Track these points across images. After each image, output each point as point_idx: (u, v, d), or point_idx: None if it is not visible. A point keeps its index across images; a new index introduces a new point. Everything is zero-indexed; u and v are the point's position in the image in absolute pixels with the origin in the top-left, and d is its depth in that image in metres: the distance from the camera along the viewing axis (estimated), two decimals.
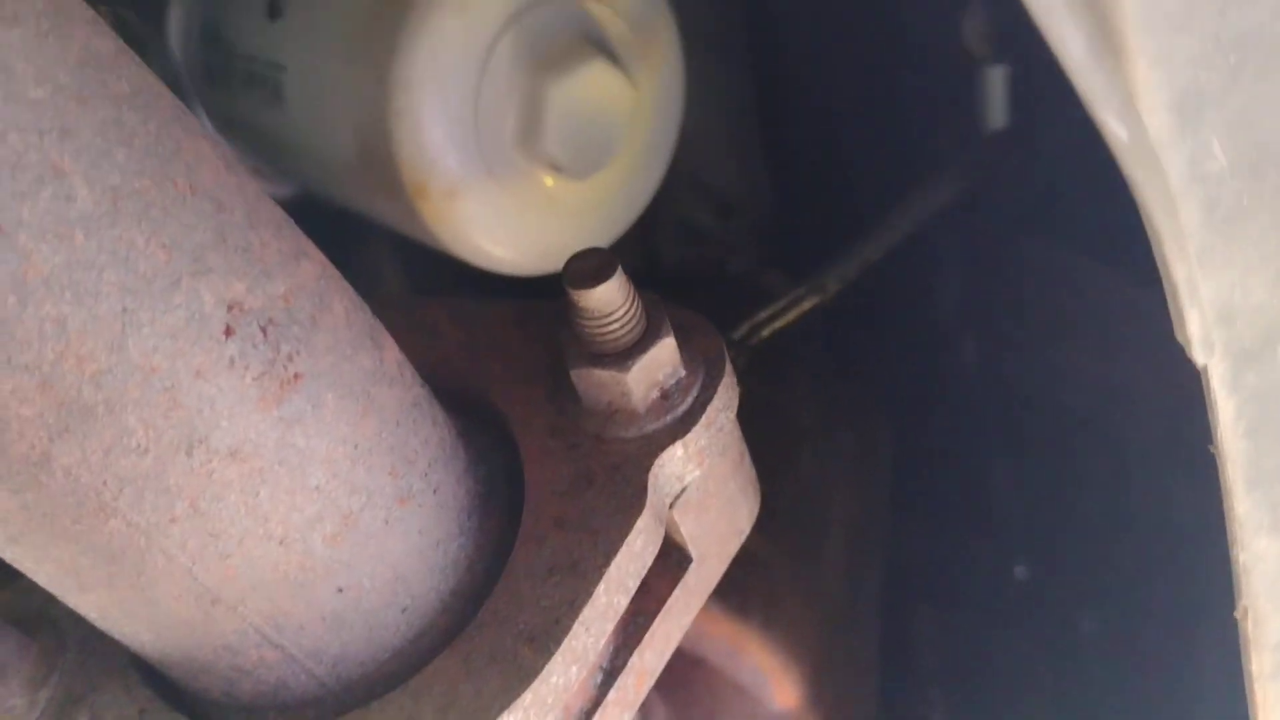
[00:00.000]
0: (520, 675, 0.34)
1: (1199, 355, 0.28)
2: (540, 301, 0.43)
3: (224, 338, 0.30)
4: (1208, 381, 0.30)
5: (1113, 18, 0.25)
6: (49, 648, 0.39)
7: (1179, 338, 0.28)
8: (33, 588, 0.41)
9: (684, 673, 0.58)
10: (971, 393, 0.75)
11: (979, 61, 0.71)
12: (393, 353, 0.36)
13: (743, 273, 0.73)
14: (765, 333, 0.54)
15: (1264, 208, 0.30)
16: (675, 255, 0.73)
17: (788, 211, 0.77)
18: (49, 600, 0.41)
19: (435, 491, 0.36)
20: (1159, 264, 0.27)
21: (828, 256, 0.63)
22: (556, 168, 0.53)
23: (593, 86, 0.52)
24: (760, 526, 0.44)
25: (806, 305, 0.55)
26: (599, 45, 0.52)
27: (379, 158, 0.52)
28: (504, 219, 0.54)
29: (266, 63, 0.55)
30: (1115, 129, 0.24)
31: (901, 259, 0.64)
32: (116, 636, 0.35)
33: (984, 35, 0.70)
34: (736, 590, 0.55)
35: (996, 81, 0.73)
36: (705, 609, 0.44)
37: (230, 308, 0.30)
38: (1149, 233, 0.26)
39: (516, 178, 0.53)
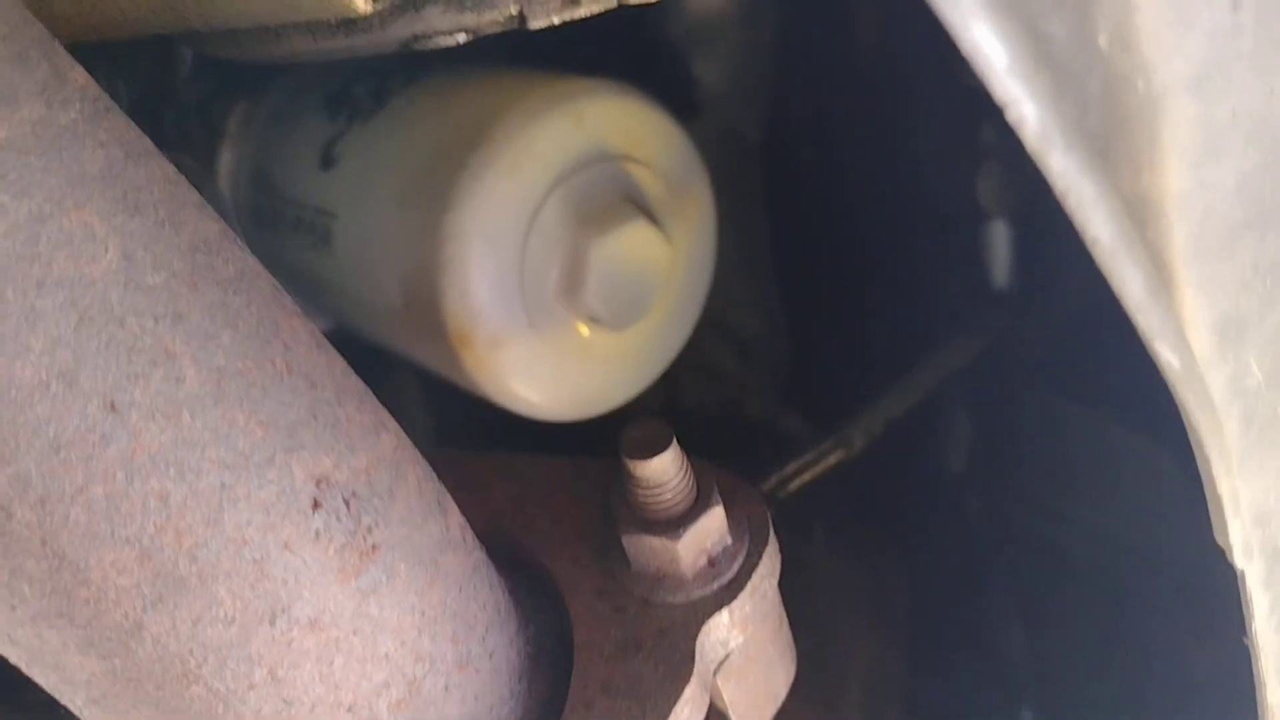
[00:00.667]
0: None
1: (1239, 560, 0.30)
2: (590, 460, 0.45)
3: (311, 511, 0.31)
4: (1244, 581, 0.32)
5: (1165, 252, 0.27)
6: None
7: (1220, 542, 0.30)
8: None
9: None
10: (980, 541, 0.76)
11: (992, 218, 0.74)
12: (456, 518, 0.37)
13: (761, 415, 0.75)
14: (793, 486, 0.56)
15: None
16: (695, 396, 0.75)
17: (806, 356, 0.79)
18: None
19: (491, 656, 0.37)
20: (1203, 476, 0.29)
21: (844, 402, 0.65)
22: (595, 320, 0.55)
23: (632, 244, 0.54)
24: None
25: (833, 460, 0.57)
26: (639, 205, 0.54)
27: (425, 306, 0.54)
28: (543, 368, 0.55)
29: (317, 209, 0.57)
30: (1169, 359, 0.26)
31: (915, 409, 0.66)
32: None
33: (998, 194, 0.73)
34: None
35: (1008, 239, 0.76)
36: None
37: (318, 482, 0.31)
38: (1195, 449, 0.28)
39: (556, 328, 0.55)
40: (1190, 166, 0.27)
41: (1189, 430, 0.27)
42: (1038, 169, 0.70)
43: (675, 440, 0.38)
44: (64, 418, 0.28)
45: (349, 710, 0.33)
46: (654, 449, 0.38)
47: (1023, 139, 0.23)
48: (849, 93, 0.77)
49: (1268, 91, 0.28)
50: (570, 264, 0.54)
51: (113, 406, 0.28)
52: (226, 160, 0.63)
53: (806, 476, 0.56)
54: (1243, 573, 0.31)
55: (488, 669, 0.37)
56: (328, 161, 0.58)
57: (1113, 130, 0.26)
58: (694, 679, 0.38)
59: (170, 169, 0.32)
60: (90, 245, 0.28)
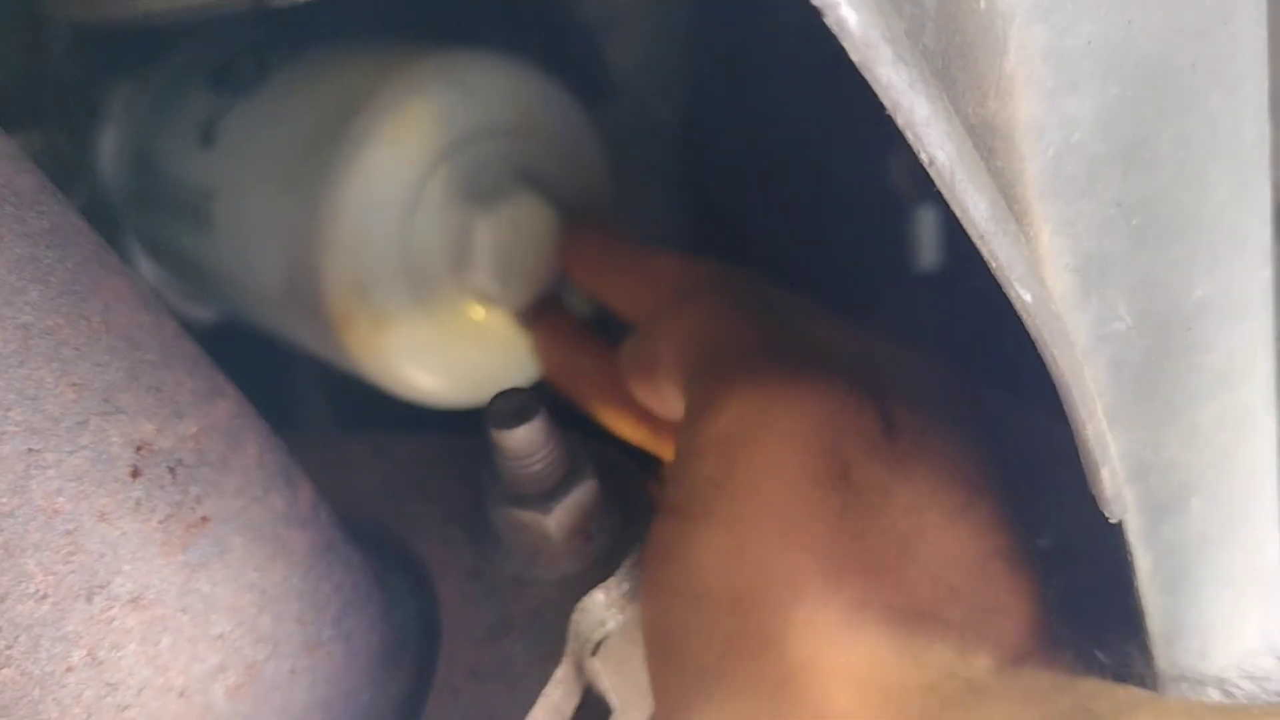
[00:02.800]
0: None
1: (1112, 511, 0.29)
2: (463, 439, 0.43)
3: (130, 479, 0.29)
4: (1124, 536, 0.30)
5: (1016, 185, 0.26)
6: None
7: (1094, 493, 0.29)
8: None
9: None
10: None
11: (907, 202, 0.73)
12: (307, 493, 0.35)
13: None
14: None
15: (1172, 365, 0.31)
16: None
17: None
18: None
19: (346, 639, 0.35)
20: (1071, 423, 0.27)
21: None
22: (486, 299, 0.53)
23: (523, 220, 0.52)
24: None
25: None
26: (529, 180, 0.53)
27: (307, 288, 0.52)
28: (433, 349, 0.54)
29: (197, 190, 0.55)
30: (1020, 294, 0.24)
31: None
32: None
33: (911, 176, 0.73)
34: None
35: (925, 222, 0.75)
36: None
37: (138, 449, 0.29)
38: (1060, 393, 0.27)
39: (446, 308, 0.53)
40: (1044, 96, 0.26)
41: (1051, 372, 0.26)
42: None
43: (544, 409, 0.36)
44: None
45: (180, 695, 0.31)
46: (521, 418, 0.36)
47: (846, 47, 0.21)
48: (768, 76, 0.75)
49: (1126, 22, 0.27)
50: (458, 241, 0.52)
51: None
52: (108, 142, 0.60)
53: None
54: (1123, 525, 0.30)
55: (342, 652, 0.35)
56: (208, 139, 0.55)
57: (952, 51, 0.24)
58: (566, 660, 0.36)
59: None
60: None
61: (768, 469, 0.34)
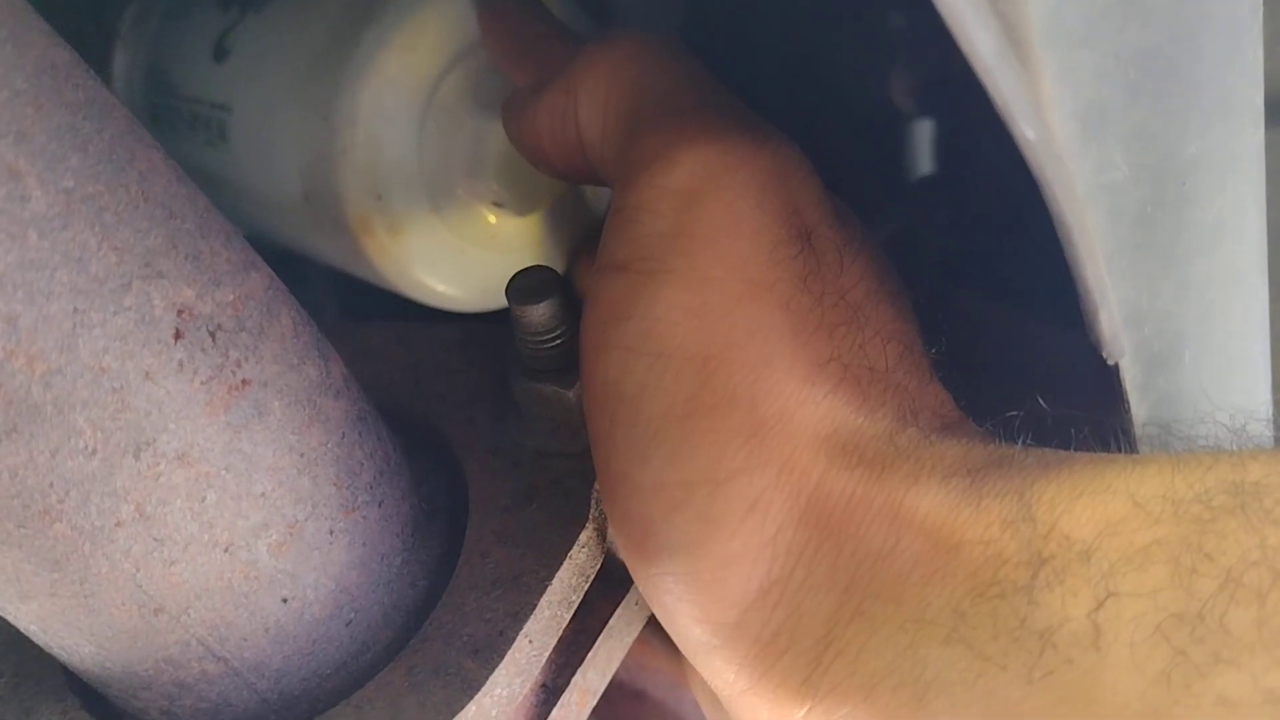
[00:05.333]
0: (464, 687, 0.35)
1: (1110, 353, 0.30)
2: (481, 325, 0.44)
3: (173, 341, 0.31)
4: (1120, 383, 0.32)
5: (1020, 28, 0.27)
6: None
7: (1091, 339, 0.30)
8: None
9: (625, 706, 0.58)
10: None
11: (906, 116, 0.74)
12: (338, 366, 0.36)
13: None
14: None
15: (1166, 217, 0.32)
16: None
17: None
18: None
19: (380, 505, 0.36)
20: (1071, 266, 0.29)
21: None
22: (499, 204, 0.54)
23: None
24: None
25: None
26: None
27: (324, 196, 0.53)
28: (448, 255, 0.55)
29: (212, 104, 0.56)
30: (1023, 130, 0.26)
31: None
32: (56, 650, 0.34)
33: (911, 90, 0.73)
34: None
35: (922, 136, 0.75)
36: (645, 642, 0.44)
37: (180, 312, 0.31)
38: (1060, 235, 0.28)
39: (460, 214, 0.54)
40: None
41: (1052, 215, 0.27)
42: (951, 62, 0.70)
43: (562, 285, 0.38)
44: None
45: (225, 550, 0.32)
46: (542, 294, 0.37)
47: None
48: None
49: None
50: (470, 146, 0.53)
51: None
52: (121, 61, 0.61)
53: None
54: (1119, 371, 0.31)
55: (376, 516, 0.36)
56: (221, 53, 0.56)
57: None
58: (589, 525, 0.37)
59: None
60: None
61: (729, 224, 0.34)
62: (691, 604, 0.33)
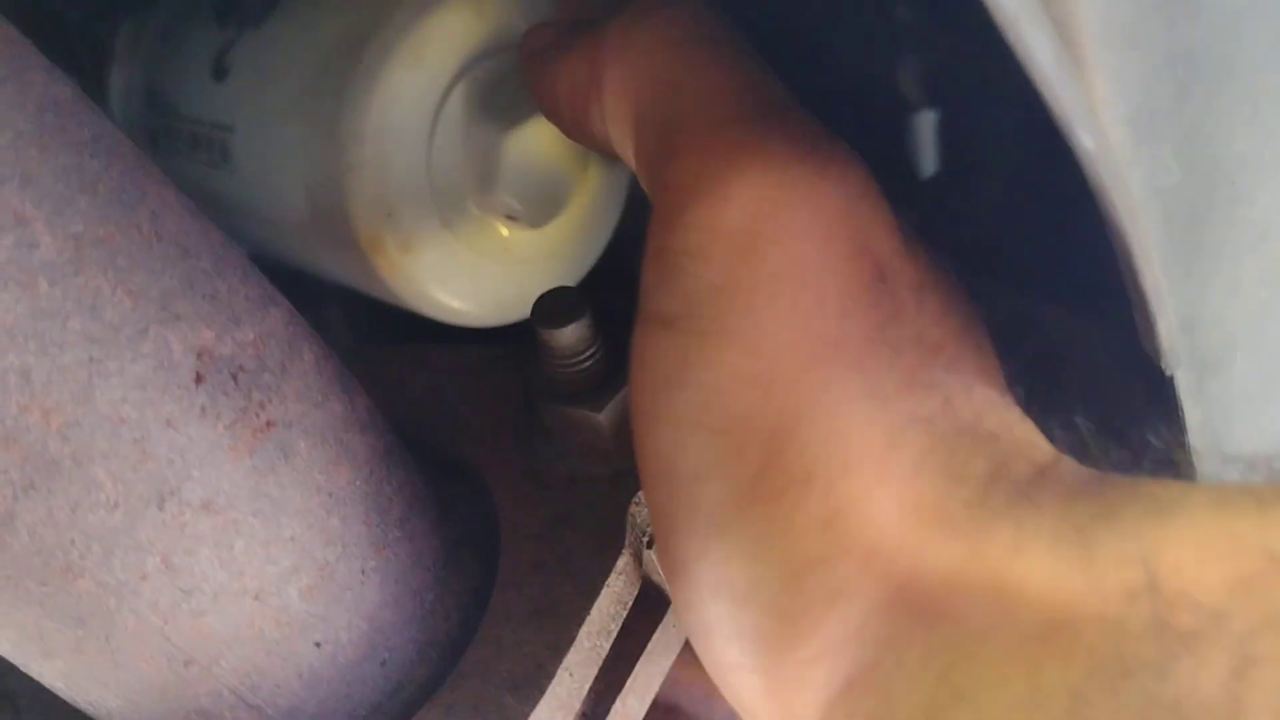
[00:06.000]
0: None
1: (1168, 364, 0.29)
2: (500, 346, 0.43)
3: (194, 386, 0.29)
4: (1175, 391, 0.31)
5: (1073, 30, 0.26)
6: None
7: (1148, 348, 0.29)
8: None
9: None
10: None
11: (914, 107, 0.73)
12: (362, 399, 0.35)
13: None
14: None
15: (1217, 219, 0.31)
16: (625, 310, 0.73)
17: None
18: (4, 673, 0.39)
19: (411, 540, 0.35)
20: (1127, 276, 0.27)
21: None
22: (512, 217, 0.53)
23: (545, 135, 0.52)
24: None
25: None
26: None
27: (332, 213, 0.51)
28: (460, 271, 0.53)
29: (213, 124, 0.55)
30: (1083, 139, 0.24)
31: None
32: (82, 705, 0.33)
33: (919, 81, 0.72)
34: None
35: (929, 127, 0.74)
36: (678, 656, 0.43)
37: (200, 355, 0.30)
38: (1116, 244, 0.27)
39: (472, 229, 0.53)
40: None
41: (1109, 222, 0.26)
42: (958, 53, 0.68)
43: (589, 307, 0.36)
44: None
45: (255, 597, 0.31)
46: (569, 317, 0.36)
47: None
48: None
49: None
50: (481, 159, 0.52)
51: None
52: (117, 82, 0.60)
53: None
54: (1174, 379, 0.30)
55: (407, 552, 0.35)
56: (220, 72, 0.55)
57: None
58: (625, 551, 0.36)
59: (12, 31, 0.29)
60: None
61: (792, 274, 0.29)
62: (771, 701, 0.30)
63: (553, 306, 0.37)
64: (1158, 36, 0.28)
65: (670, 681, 0.58)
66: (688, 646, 0.43)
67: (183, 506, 0.29)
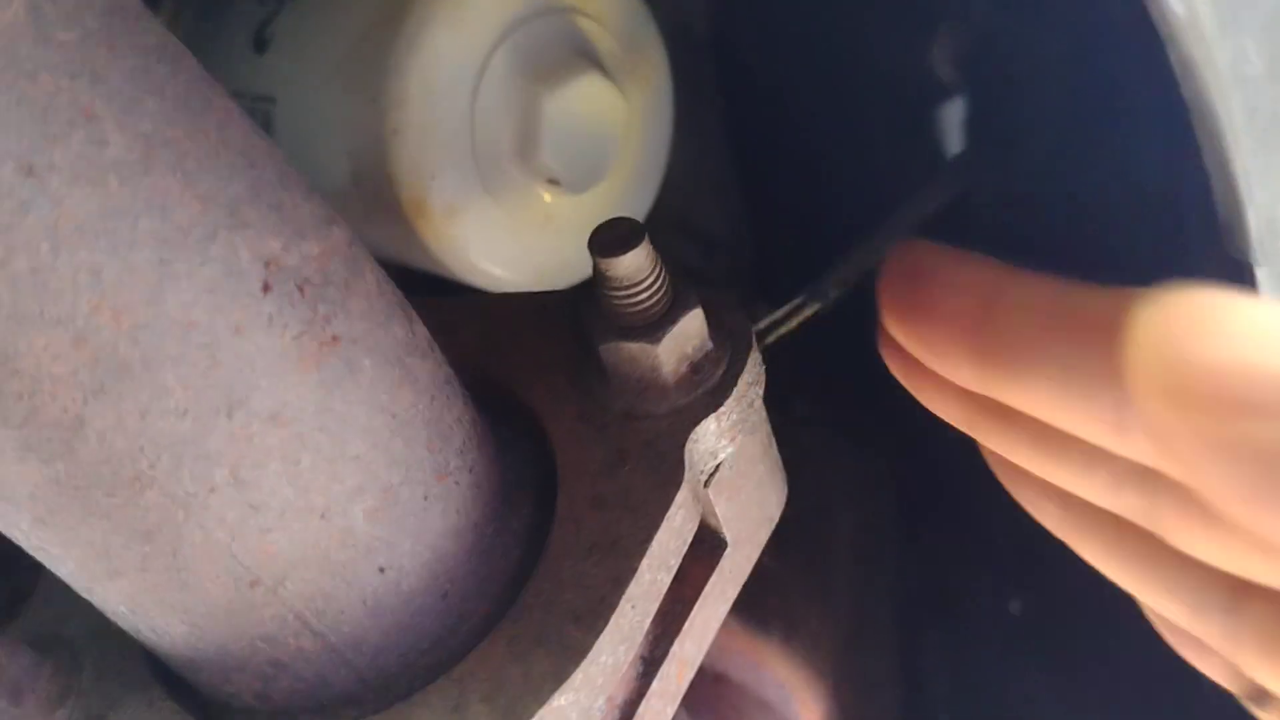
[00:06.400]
0: (569, 655, 0.33)
1: (1257, 256, 0.28)
2: (555, 293, 0.43)
3: (262, 294, 0.29)
4: (1258, 286, 0.30)
5: None
6: (64, 667, 0.37)
7: (1231, 246, 0.28)
8: (42, 609, 0.39)
9: (707, 690, 0.56)
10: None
11: (949, 88, 0.73)
12: (421, 327, 0.35)
13: None
14: (769, 340, 0.54)
15: None
16: None
17: (770, 246, 0.77)
18: (61, 619, 0.39)
19: (470, 471, 0.35)
20: (1214, 163, 0.27)
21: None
22: (554, 181, 0.53)
23: (586, 99, 0.52)
24: (769, 544, 0.43)
25: (808, 312, 0.55)
26: (590, 59, 0.52)
27: (375, 179, 0.51)
28: (503, 236, 0.53)
29: (255, 96, 0.55)
30: (1173, 4, 0.24)
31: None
32: (146, 632, 0.33)
33: (953, 62, 0.72)
34: (755, 605, 0.54)
35: (958, 116, 0.74)
36: (725, 625, 0.43)
37: (267, 264, 0.29)
38: (1201, 129, 0.26)
39: (514, 194, 0.53)
40: None
41: (1196, 102, 0.26)
42: (989, 32, 0.68)
43: (646, 235, 0.36)
44: None
45: (321, 516, 0.31)
46: (627, 245, 0.36)
47: None
48: None
49: None
50: (523, 122, 0.52)
51: (30, 170, 0.26)
52: None
53: (783, 330, 0.54)
54: (1254, 275, 0.29)
55: (468, 483, 0.34)
56: (261, 44, 0.55)
57: None
58: (684, 486, 0.36)
59: None
60: None
61: None
62: None
63: (611, 235, 0.36)
64: None
65: (717, 650, 0.57)
66: (732, 616, 0.42)
67: (251, 417, 0.29)
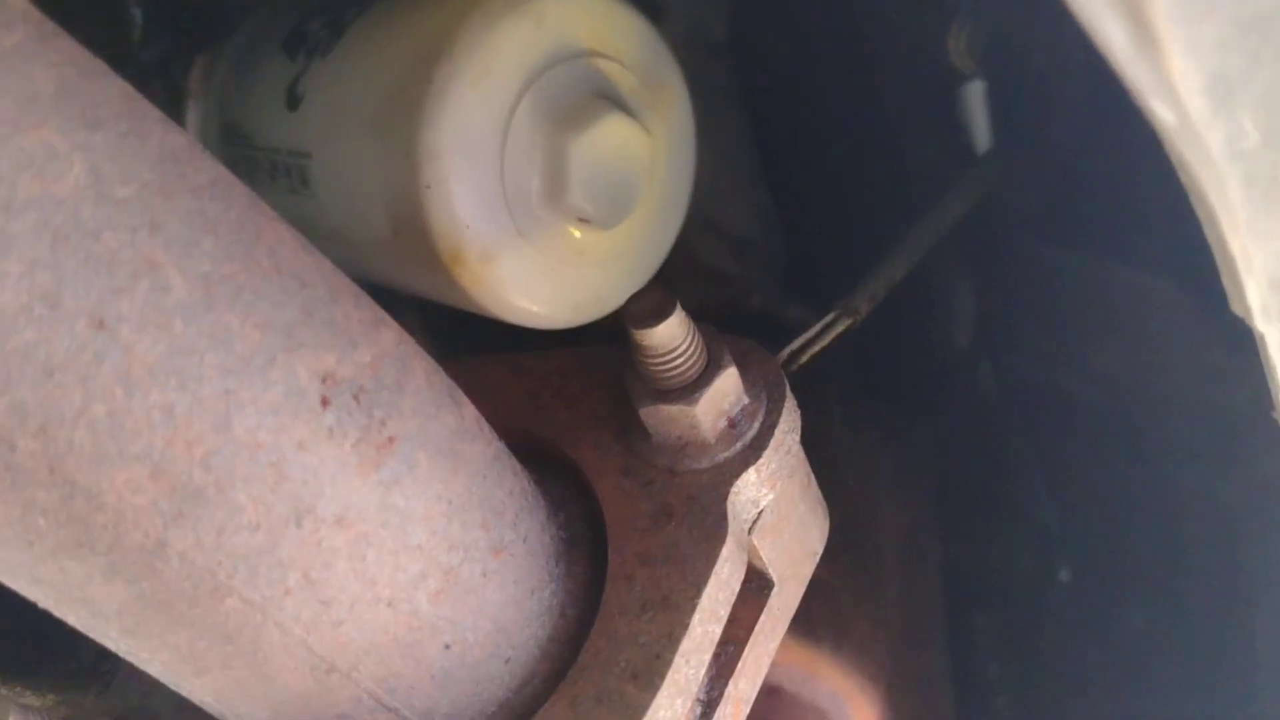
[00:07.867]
0: (628, 713, 0.35)
1: (1260, 323, 0.30)
2: (596, 348, 0.45)
3: (321, 409, 0.31)
4: (1265, 349, 0.31)
5: (1144, 11, 0.26)
6: None
7: (1237, 309, 0.30)
8: (128, 685, 0.42)
9: (761, 704, 0.58)
10: (995, 404, 0.76)
11: (966, 77, 0.73)
12: (470, 409, 0.37)
13: (764, 309, 0.74)
14: (804, 359, 0.55)
15: None
16: (695, 300, 0.74)
17: (801, 244, 0.78)
18: (147, 694, 0.41)
19: (525, 540, 0.37)
20: (1213, 242, 0.28)
21: (845, 281, 0.64)
22: (584, 220, 0.54)
23: (611, 139, 0.53)
24: None
25: (840, 328, 0.56)
26: (613, 99, 0.54)
27: (412, 231, 0.53)
28: (538, 276, 0.55)
29: (290, 151, 0.57)
30: (1164, 115, 0.25)
31: (917, 276, 0.65)
32: (231, 717, 0.35)
33: (969, 52, 0.72)
34: (804, 615, 0.55)
35: (981, 96, 0.74)
36: None
37: (324, 379, 0.31)
38: (1200, 213, 0.27)
39: (546, 235, 0.54)
40: None
41: (1192, 193, 0.27)
42: (1007, 20, 0.68)
43: (679, 304, 0.38)
44: (52, 340, 0.27)
45: (389, 604, 0.33)
46: (660, 315, 0.37)
47: None
48: None
49: None
50: (551, 166, 0.53)
51: (101, 323, 0.28)
52: (193, 118, 0.62)
53: (816, 349, 0.56)
54: (1263, 337, 0.31)
55: (523, 553, 0.37)
56: (293, 101, 0.57)
57: None
58: (729, 539, 0.38)
59: (127, 85, 0.31)
60: (54, 163, 0.28)
61: None
62: None
63: (643, 307, 0.38)
64: (1228, 7, 0.28)
65: (771, 663, 0.59)
66: (788, 629, 0.44)
67: (318, 523, 0.31)
